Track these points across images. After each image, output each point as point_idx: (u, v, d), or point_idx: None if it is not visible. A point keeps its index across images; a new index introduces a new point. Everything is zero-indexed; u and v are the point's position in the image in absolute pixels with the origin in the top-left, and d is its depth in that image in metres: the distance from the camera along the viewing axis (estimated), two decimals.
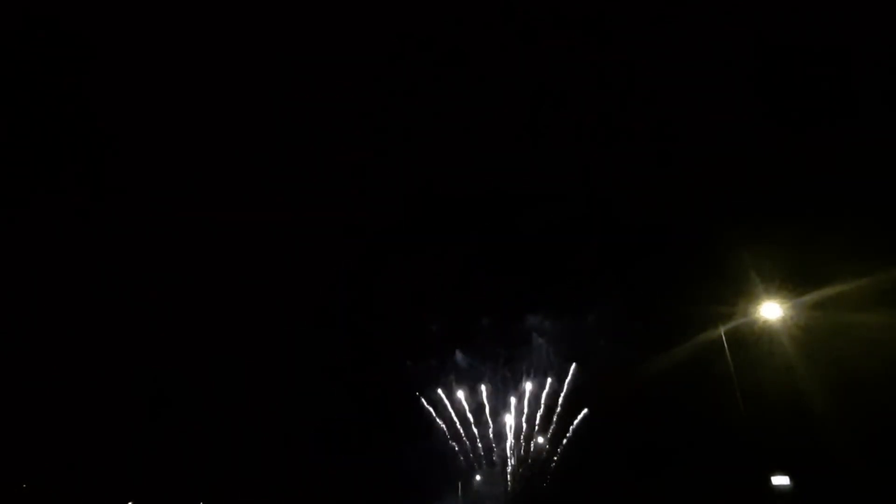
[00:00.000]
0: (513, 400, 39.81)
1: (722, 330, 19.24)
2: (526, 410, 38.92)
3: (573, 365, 37.11)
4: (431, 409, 43.08)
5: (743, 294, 20.48)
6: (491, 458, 41.21)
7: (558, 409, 37.19)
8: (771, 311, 17.81)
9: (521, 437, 39.21)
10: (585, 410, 35.93)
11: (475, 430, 41.62)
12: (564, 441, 36.47)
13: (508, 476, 38.97)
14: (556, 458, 36.61)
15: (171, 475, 54.18)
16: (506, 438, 40.24)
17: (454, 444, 42.08)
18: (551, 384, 38.15)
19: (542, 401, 38.23)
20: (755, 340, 20.67)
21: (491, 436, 41.27)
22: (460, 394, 41.71)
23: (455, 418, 42.26)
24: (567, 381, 37.20)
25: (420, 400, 43.60)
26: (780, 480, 16.58)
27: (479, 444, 42.11)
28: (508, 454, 39.51)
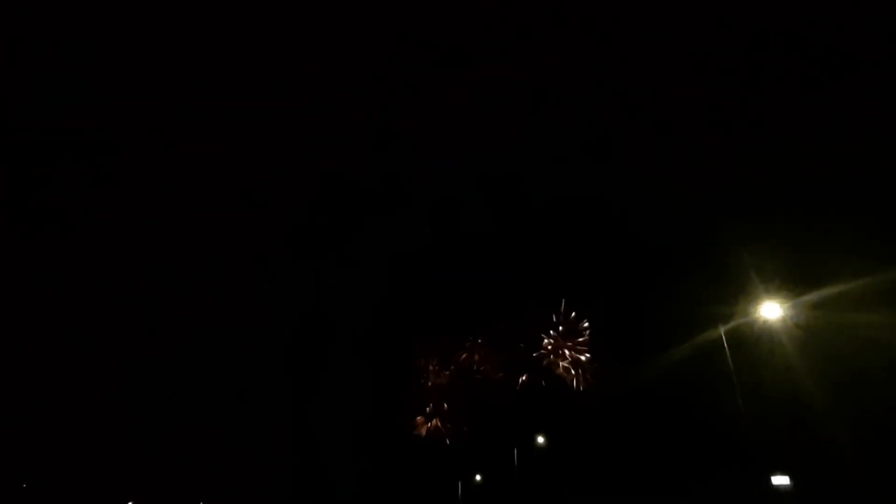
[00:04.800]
0: None
1: (722, 330, 19.25)
2: None
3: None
4: None
5: (743, 294, 20.50)
6: None
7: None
8: (771, 311, 17.84)
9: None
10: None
11: None
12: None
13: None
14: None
15: (171, 475, 54.20)
16: None
17: None
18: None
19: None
20: (755, 340, 20.68)
21: None
22: None
23: None
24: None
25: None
26: (780, 480, 16.58)
27: None
28: None
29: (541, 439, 37.11)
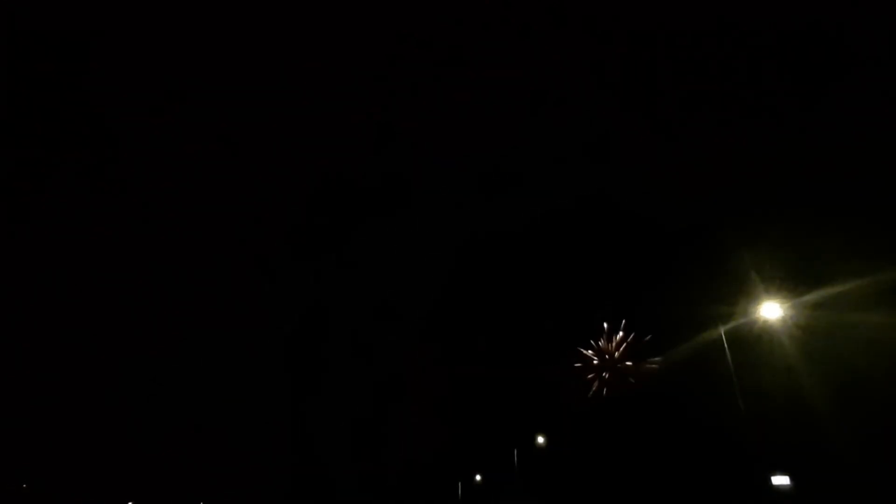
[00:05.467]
0: None
1: (722, 330, 19.23)
2: None
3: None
4: None
5: (743, 294, 20.50)
6: None
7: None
8: (771, 311, 17.82)
9: None
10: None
11: None
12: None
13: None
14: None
15: (171, 475, 54.19)
16: None
17: None
18: None
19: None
20: (755, 340, 20.67)
21: None
22: None
23: None
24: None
25: None
26: (780, 480, 16.58)
27: None
28: None
29: (541, 439, 37.13)
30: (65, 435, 51.43)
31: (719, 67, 28.50)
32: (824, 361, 19.58)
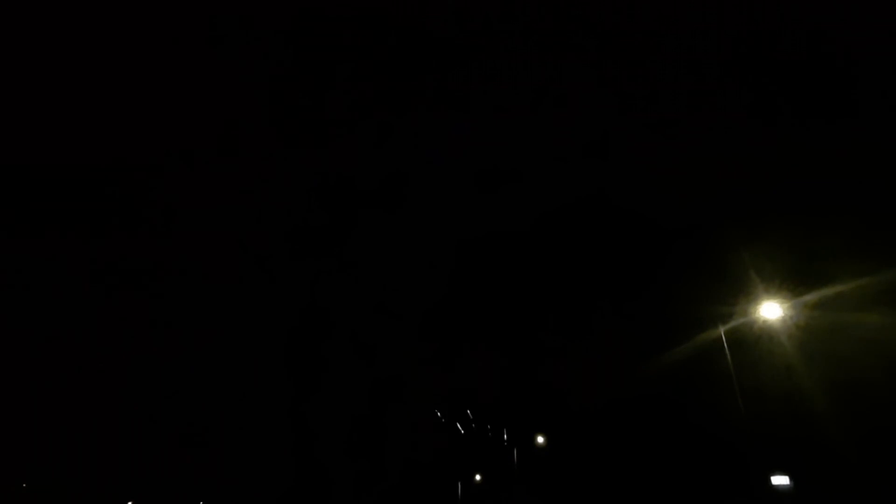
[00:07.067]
0: None
1: (722, 330, 19.26)
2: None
3: None
4: None
5: (743, 294, 20.51)
6: None
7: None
8: (771, 311, 17.85)
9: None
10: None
11: None
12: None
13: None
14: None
15: (171, 475, 54.20)
16: None
17: None
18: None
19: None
20: (755, 340, 20.68)
21: None
22: None
23: None
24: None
25: None
26: (780, 480, 16.60)
27: None
28: None
29: (541, 439, 37.15)
30: (65, 435, 51.43)
31: (719, 67, 28.47)
32: (824, 361, 19.58)
